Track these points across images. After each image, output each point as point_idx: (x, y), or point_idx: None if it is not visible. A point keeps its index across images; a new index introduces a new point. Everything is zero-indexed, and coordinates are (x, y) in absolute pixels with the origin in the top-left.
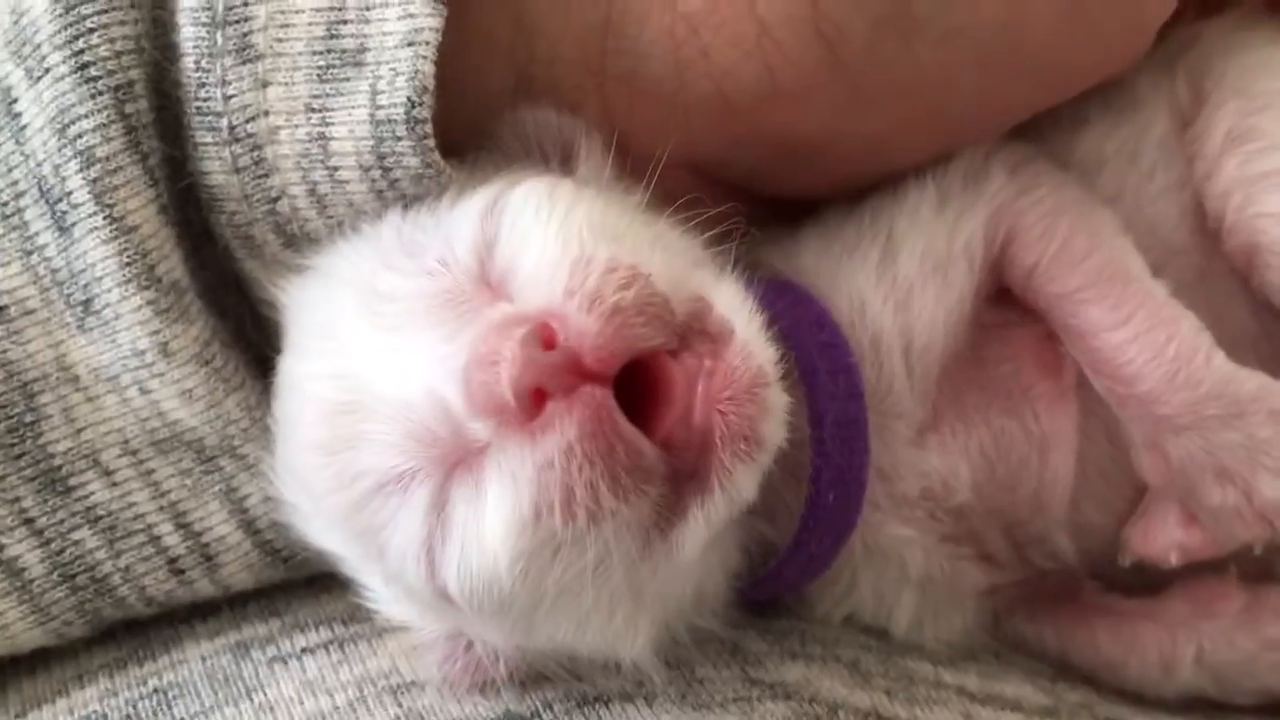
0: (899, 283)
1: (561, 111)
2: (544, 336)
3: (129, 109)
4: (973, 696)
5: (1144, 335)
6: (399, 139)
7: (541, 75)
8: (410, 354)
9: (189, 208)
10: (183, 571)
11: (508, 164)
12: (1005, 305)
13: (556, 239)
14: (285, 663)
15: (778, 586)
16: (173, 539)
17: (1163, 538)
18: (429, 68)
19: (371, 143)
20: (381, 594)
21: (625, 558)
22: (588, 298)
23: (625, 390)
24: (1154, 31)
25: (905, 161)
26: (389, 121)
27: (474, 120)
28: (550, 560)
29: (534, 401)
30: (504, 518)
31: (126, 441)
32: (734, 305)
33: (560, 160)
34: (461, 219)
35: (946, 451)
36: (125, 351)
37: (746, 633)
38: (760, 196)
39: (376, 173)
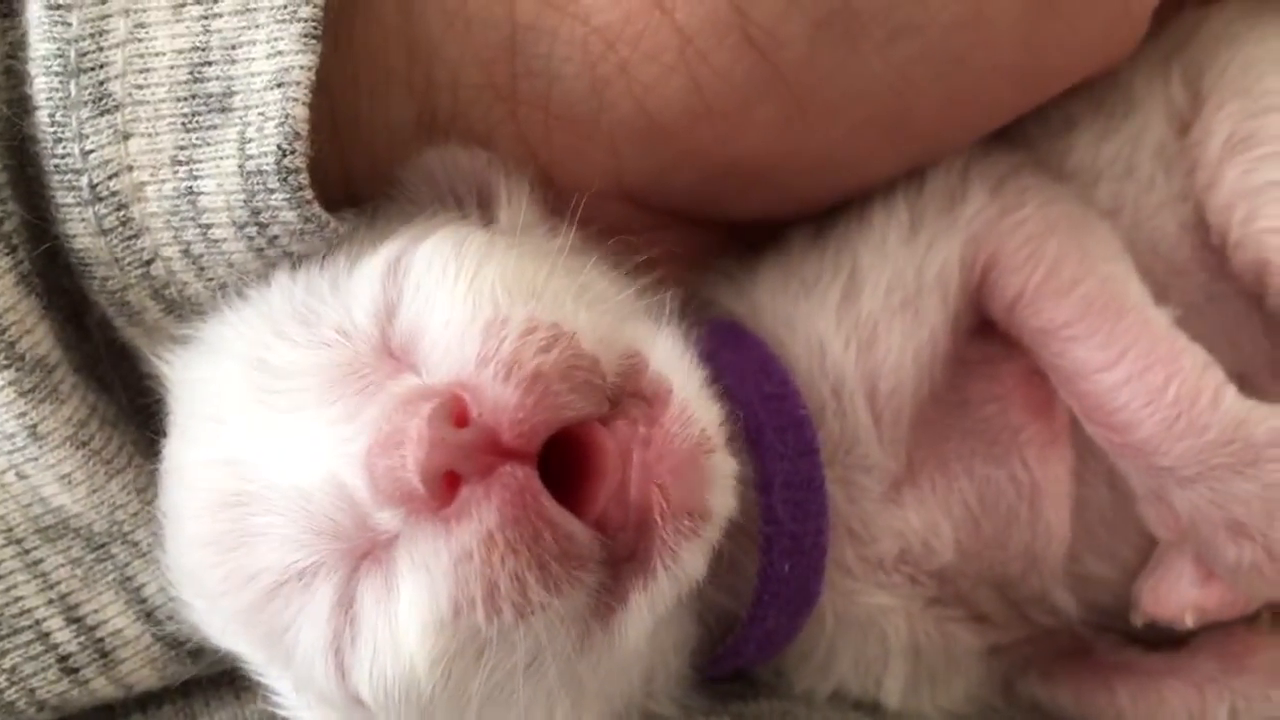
0: (862, 322)
1: (472, 147)
2: (455, 412)
3: None
4: None
5: (1138, 376)
6: (271, 191)
7: (445, 104)
8: (306, 436)
9: (59, 273)
10: (76, 670)
11: (417, 212)
12: (988, 338)
13: (466, 299)
14: None
15: (739, 663)
16: (64, 634)
17: (1176, 597)
18: (301, 111)
19: (243, 196)
20: (292, 699)
21: (560, 653)
22: (504, 364)
23: (550, 464)
24: (1144, 22)
25: (868, 178)
26: (259, 173)
27: (375, 162)
28: (474, 661)
29: (446, 486)
30: (419, 616)
31: (10, 530)
32: (671, 360)
33: (477, 204)
34: (360, 280)
35: (925, 507)
36: None
37: None
38: (712, 222)
39: (253, 229)
